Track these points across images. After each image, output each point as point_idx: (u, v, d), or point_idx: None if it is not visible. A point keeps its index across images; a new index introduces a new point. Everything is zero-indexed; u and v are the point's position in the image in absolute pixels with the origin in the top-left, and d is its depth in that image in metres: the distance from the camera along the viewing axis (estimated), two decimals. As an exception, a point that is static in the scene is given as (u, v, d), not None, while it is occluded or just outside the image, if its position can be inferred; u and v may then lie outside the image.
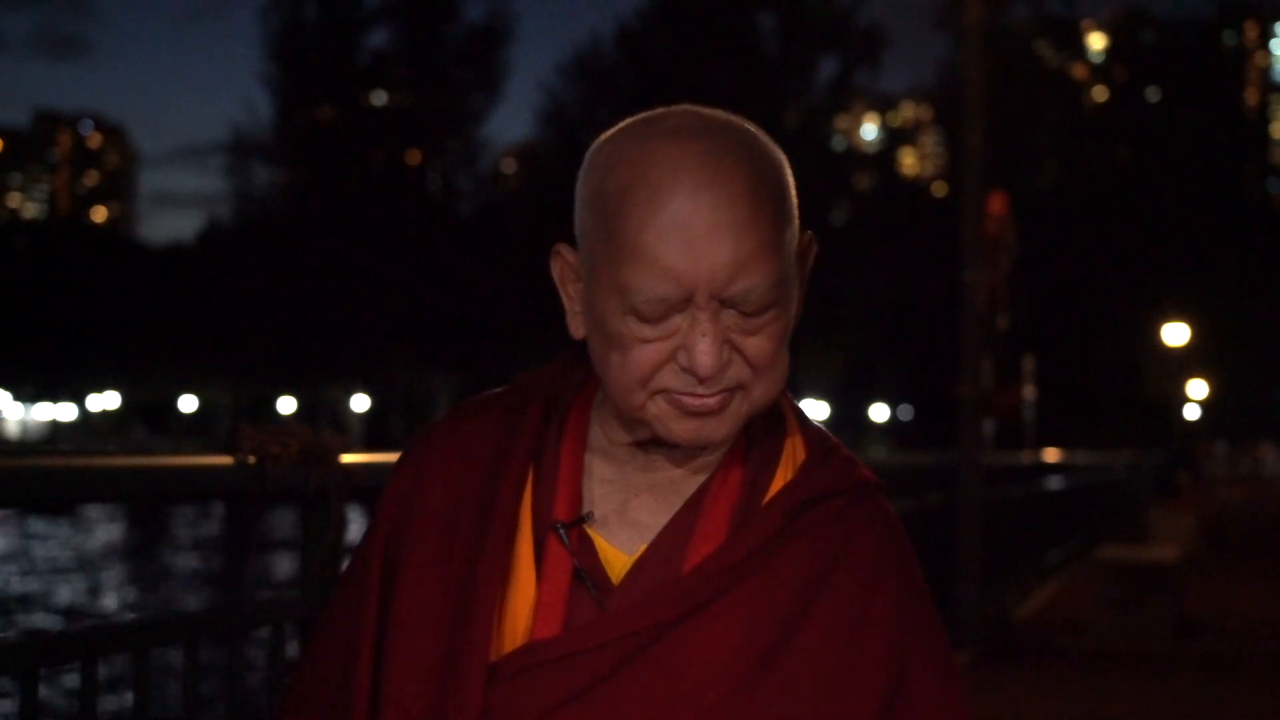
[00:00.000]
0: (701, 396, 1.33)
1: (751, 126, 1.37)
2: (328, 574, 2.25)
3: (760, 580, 1.36)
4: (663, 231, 1.28)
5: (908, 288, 55.83)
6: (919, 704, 1.39)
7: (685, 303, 1.30)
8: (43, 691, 1.83)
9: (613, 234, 1.31)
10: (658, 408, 1.34)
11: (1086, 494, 17.71)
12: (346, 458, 2.23)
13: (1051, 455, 18.32)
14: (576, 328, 1.40)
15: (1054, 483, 15.81)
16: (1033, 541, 13.41)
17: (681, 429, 1.34)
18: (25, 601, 15.40)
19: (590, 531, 1.40)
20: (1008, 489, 12.53)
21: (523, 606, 1.38)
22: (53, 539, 22.79)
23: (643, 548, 1.39)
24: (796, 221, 1.37)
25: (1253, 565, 17.32)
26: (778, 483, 1.42)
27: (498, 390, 1.55)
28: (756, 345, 1.33)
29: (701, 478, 1.41)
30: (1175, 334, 38.27)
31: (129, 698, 1.95)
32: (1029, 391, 28.33)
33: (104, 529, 25.37)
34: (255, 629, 2.16)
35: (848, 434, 69.38)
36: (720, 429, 1.35)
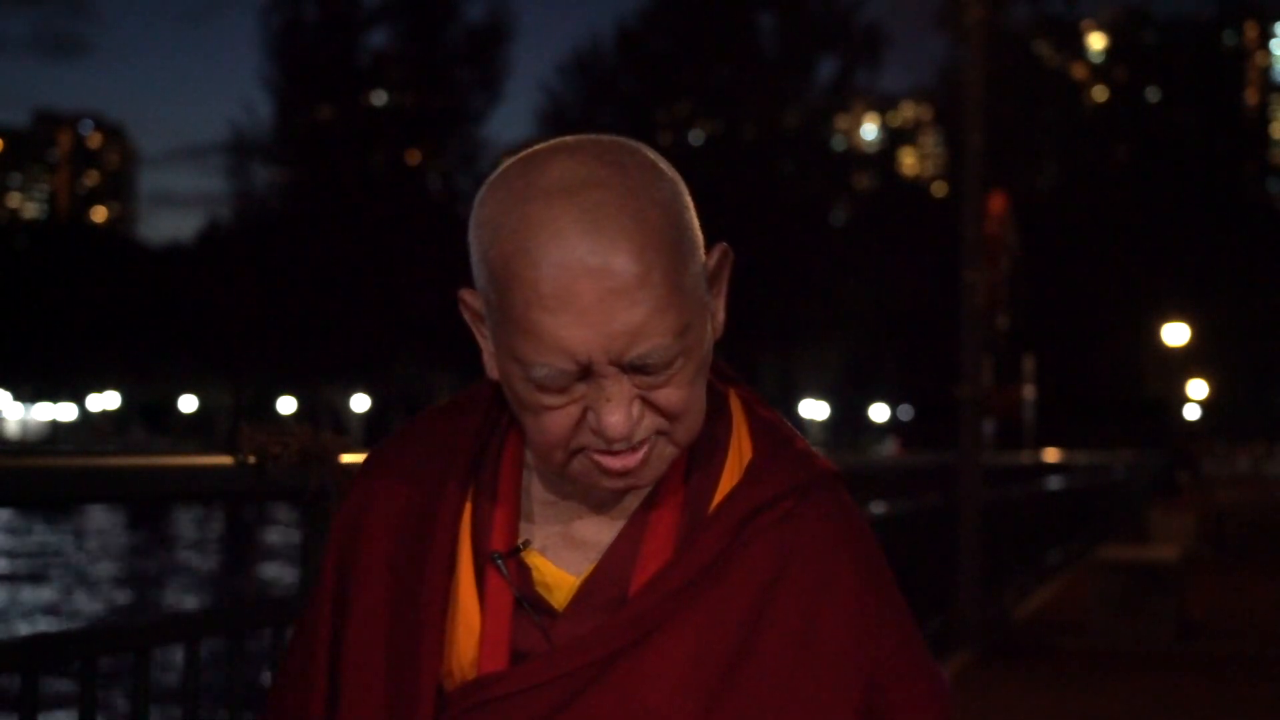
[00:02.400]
0: (620, 455, 1.28)
1: (640, 154, 1.30)
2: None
3: (712, 594, 1.33)
4: (549, 308, 1.22)
5: (908, 288, 55.82)
6: (893, 697, 1.37)
7: (585, 371, 1.25)
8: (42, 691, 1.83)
9: (503, 305, 1.26)
10: (580, 465, 1.30)
11: (1086, 494, 17.70)
12: (346, 458, 2.23)
13: (1051, 455, 18.32)
14: (491, 369, 1.35)
15: (1054, 483, 15.81)
16: (1033, 541, 13.41)
17: (607, 483, 1.30)
18: (24, 602, 15.40)
19: (534, 555, 1.36)
20: (1008, 489, 12.52)
21: (468, 638, 1.35)
22: (53, 538, 22.80)
23: (589, 568, 1.36)
24: (700, 248, 1.31)
25: (1253, 565, 17.31)
26: (724, 486, 1.38)
27: (443, 404, 1.51)
28: (668, 395, 1.27)
29: (645, 490, 1.37)
30: (1175, 334, 38.28)
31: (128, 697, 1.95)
32: (1029, 391, 28.33)
33: (104, 528, 25.38)
34: (255, 629, 2.16)
35: (848, 434, 69.40)
36: (646, 475, 1.31)
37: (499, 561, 1.35)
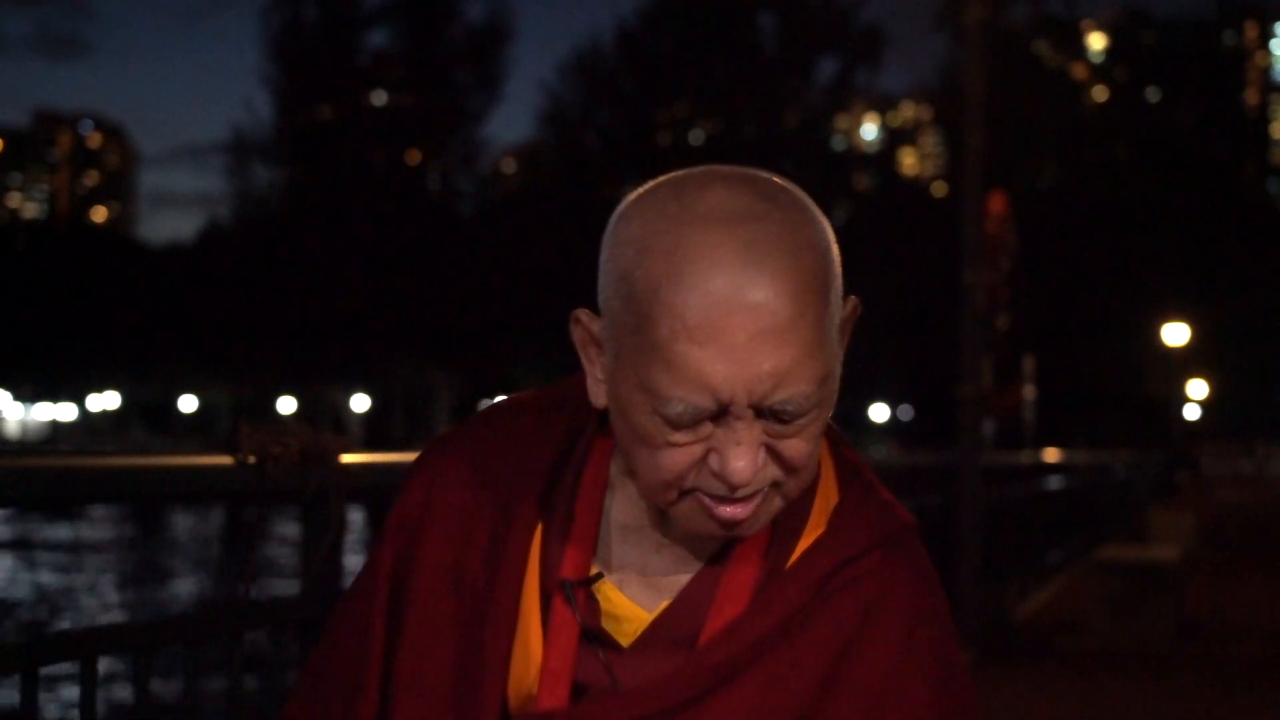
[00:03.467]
0: (732, 504, 1.23)
1: (794, 194, 1.25)
2: (328, 574, 2.25)
3: (788, 649, 1.28)
4: (696, 340, 1.16)
5: (908, 288, 55.81)
6: None
7: (721, 411, 1.19)
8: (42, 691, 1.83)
9: (641, 330, 1.19)
10: (688, 506, 1.24)
11: (1086, 494, 17.70)
12: (346, 458, 2.23)
13: (1051, 455, 18.29)
14: (598, 396, 1.29)
15: (1054, 483, 15.80)
16: (1033, 541, 13.41)
17: (710, 528, 1.25)
18: (25, 601, 15.40)
19: (607, 586, 1.32)
20: (1008, 489, 12.52)
21: (528, 665, 1.31)
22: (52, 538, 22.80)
23: (662, 605, 1.31)
24: (841, 299, 1.27)
25: (1253, 565, 17.31)
26: (808, 535, 1.33)
27: (523, 398, 1.44)
28: (795, 447, 1.22)
29: None
30: (1175, 334, 38.27)
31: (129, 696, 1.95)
32: (1029, 391, 28.34)
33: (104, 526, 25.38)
34: (255, 629, 2.16)
35: (848, 434, 69.26)
36: (752, 528, 1.26)
37: (569, 590, 1.30)
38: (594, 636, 1.30)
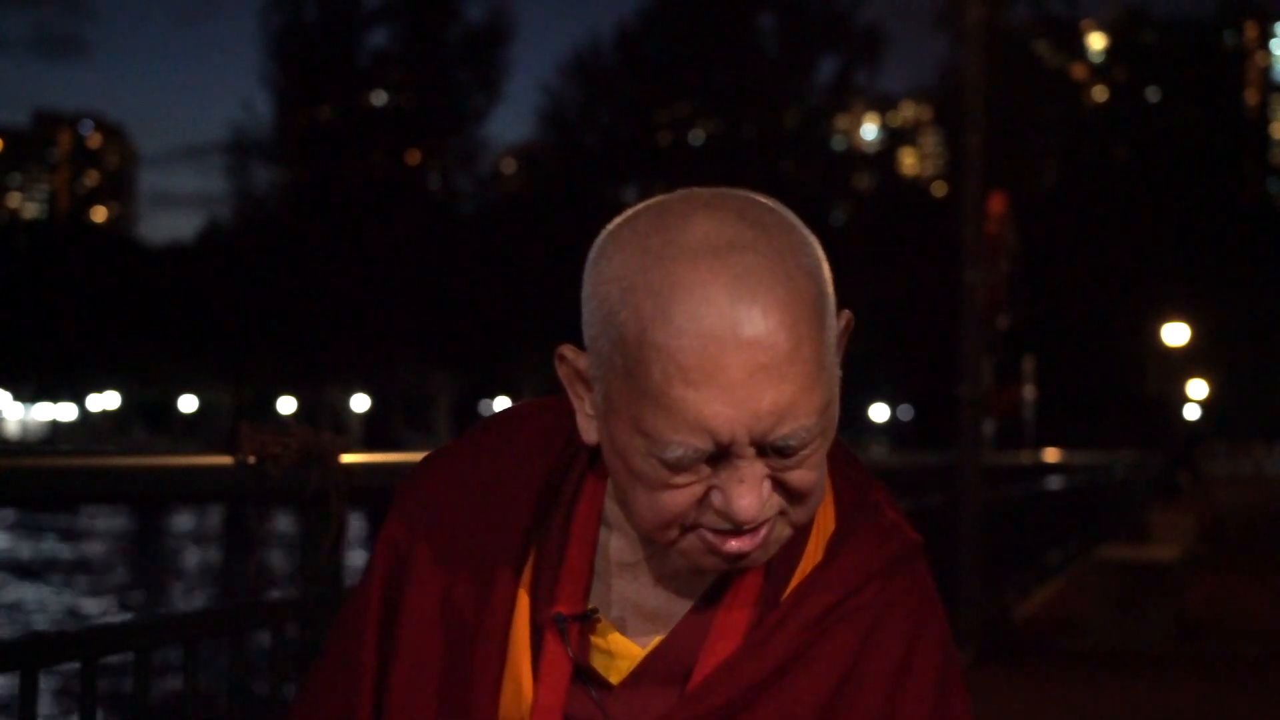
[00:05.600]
0: (741, 538, 1.19)
1: (780, 215, 1.21)
2: (328, 574, 2.25)
3: (788, 686, 1.25)
4: (691, 382, 1.12)
5: (908, 288, 55.81)
6: None
7: (723, 452, 1.15)
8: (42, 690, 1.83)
9: (633, 374, 1.15)
10: (690, 542, 1.20)
11: (1086, 494, 17.70)
12: (346, 458, 2.23)
13: (1051, 455, 18.31)
14: (588, 432, 1.24)
15: (1054, 483, 15.81)
16: (1033, 541, 13.41)
17: (715, 563, 1.22)
18: (23, 602, 15.40)
19: (602, 621, 1.28)
20: (1008, 489, 12.52)
21: (520, 700, 1.28)
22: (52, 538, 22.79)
23: (655, 640, 1.28)
24: (834, 315, 1.22)
25: (1253, 565, 17.31)
26: (805, 565, 1.30)
27: (517, 412, 1.40)
28: (800, 477, 1.19)
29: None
30: (1175, 334, 38.28)
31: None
32: (1029, 391, 28.34)
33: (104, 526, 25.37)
34: (255, 629, 2.16)
35: (847, 434, 69.35)
36: (759, 558, 1.23)
37: (562, 626, 1.27)
38: (584, 673, 1.27)
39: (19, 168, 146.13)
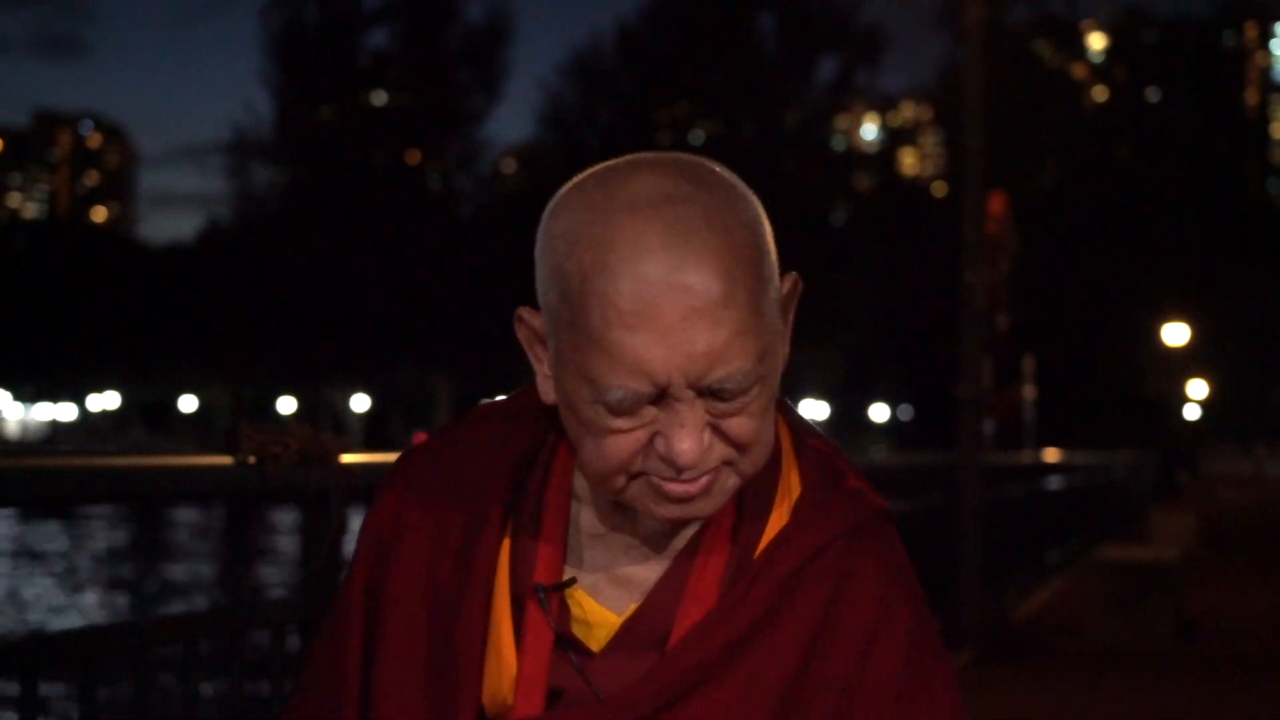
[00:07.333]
0: (684, 483, 1.23)
1: (720, 174, 1.27)
2: (327, 574, 2.25)
3: (760, 646, 1.29)
4: (628, 325, 1.17)
5: (908, 288, 55.81)
6: None
7: (660, 394, 1.20)
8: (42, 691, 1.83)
9: (576, 322, 1.20)
10: (638, 489, 1.25)
11: (1086, 494, 17.71)
12: (346, 458, 2.23)
13: (1051, 455, 18.29)
14: (547, 393, 1.30)
15: (1054, 483, 15.81)
16: (1033, 541, 13.41)
17: (665, 511, 1.25)
18: (25, 601, 15.40)
19: (578, 592, 1.32)
20: (1008, 489, 12.52)
21: (503, 672, 1.32)
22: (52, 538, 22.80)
23: (632, 607, 1.32)
24: (777, 275, 1.27)
25: (1253, 565, 17.31)
26: (772, 527, 1.33)
27: (486, 410, 1.44)
28: (740, 424, 1.23)
29: (694, 528, 1.33)
30: (1175, 334, 38.30)
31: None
32: (1029, 391, 28.33)
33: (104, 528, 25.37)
34: (255, 630, 2.16)
35: (848, 434, 69.41)
36: (706, 507, 1.26)
37: (542, 596, 1.30)
38: (565, 642, 1.31)
39: (19, 168, 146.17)
